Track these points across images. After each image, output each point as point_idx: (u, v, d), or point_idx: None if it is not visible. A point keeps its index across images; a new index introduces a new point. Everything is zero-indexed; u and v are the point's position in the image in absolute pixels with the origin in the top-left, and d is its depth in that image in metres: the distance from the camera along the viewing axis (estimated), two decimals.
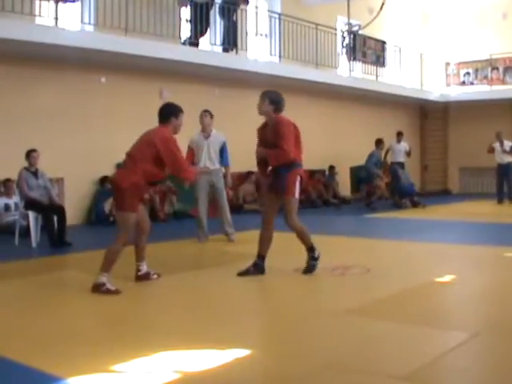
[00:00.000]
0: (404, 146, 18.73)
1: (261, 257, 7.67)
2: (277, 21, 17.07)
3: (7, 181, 11.98)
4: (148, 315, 6.09)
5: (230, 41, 15.58)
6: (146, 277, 7.40)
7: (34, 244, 10.40)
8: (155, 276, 7.49)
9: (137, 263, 7.42)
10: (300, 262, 7.74)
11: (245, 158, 12.02)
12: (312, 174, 18.08)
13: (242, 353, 4.72)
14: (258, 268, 7.62)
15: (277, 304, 6.21)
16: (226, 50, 15.69)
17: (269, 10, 17.62)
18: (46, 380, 4.27)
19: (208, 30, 15.27)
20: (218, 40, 15.75)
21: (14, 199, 11.92)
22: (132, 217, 6.86)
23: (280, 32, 17.05)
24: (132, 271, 7.39)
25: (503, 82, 22.50)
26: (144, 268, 7.42)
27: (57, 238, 10.27)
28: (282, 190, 7.50)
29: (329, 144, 19.69)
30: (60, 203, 11.32)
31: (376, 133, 18.47)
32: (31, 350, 4.86)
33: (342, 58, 19.80)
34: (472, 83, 23.26)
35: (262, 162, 7.74)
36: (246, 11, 16.16)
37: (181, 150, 7.23)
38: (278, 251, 7.94)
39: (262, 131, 7.71)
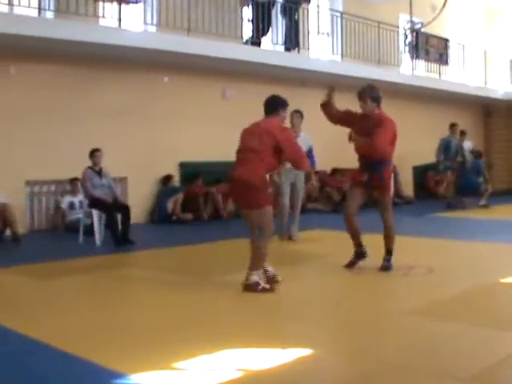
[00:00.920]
0: (468, 144, 18.42)
1: (357, 246, 7.85)
2: (338, 19, 16.97)
3: (74, 180, 12.19)
4: (212, 312, 6.09)
5: (292, 40, 15.56)
6: (273, 279, 6.99)
7: (97, 242, 10.53)
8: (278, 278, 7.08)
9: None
10: (363, 262, 7.70)
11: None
12: None
13: (306, 352, 4.70)
14: (359, 255, 7.85)
15: (340, 304, 6.17)
16: (287, 49, 15.68)
17: (330, 9, 17.52)
18: (109, 376, 4.30)
19: (270, 29, 15.27)
20: (280, 39, 15.74)
21: (79, 198, 12.12)
22: (270, 209, 6.69)
23: (342, 30, 16.94)
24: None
25: None
26: (270, 269, 7.04)
27: (121, 237, 10.38)
28: (381, 186, 7.54)
29: None
30: (125, 202, 11.46)
31: (439, 132, 18.20)
32: (93, 345, 4.92)
33: (405, 57, 19.60)
34: None
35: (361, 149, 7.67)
36: (307, 10, 16.14)
37: None
38: (339, 251, 7.90)
39: (363, 121, 7.61)
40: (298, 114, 10.49)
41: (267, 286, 6.50)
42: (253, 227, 6.85)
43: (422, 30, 19.66)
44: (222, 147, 14.38)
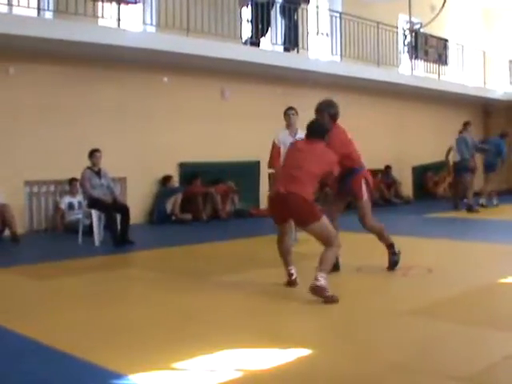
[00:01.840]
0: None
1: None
2: (337, 20, 16.96)
3: (72, 180, 12.19)
4: (211, 312, 6.08)
5: (291, 40, 15.57)
6: (294, 283, 6.96)
7: (96, 242, 10.52)
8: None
9: (287, 268, 7.03)
10: (362, 262, 7.68)
11: None
12: (375, 173, 17.94)
13: (304, 352, 4.70)
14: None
15: (339, 304, 6.16)
16: (287, 49, 15.68)
17: (329, 9, 17.52)
18: (107, 376, 4.29)
19: (269, 29, 15.27)
20: (279, 39, 15.73)
21: (78, 198, 12.13)
22: (325, 218, 6.57)
23: (341, 31, 16.93)
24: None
25: None
26: (294, 271, 6.99)
27: (120, 237, 10.37)
28: (352, 194, 7.54)
29: (390, 143, 19.49)
30: (124, 202, 11.47)
31: (438, 132, 18.23)
32: (92, 345, 4.92)
33: (404, 57, 19.61)
34: None
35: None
36: (306, 10, 16.14)
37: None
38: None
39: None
40: (293, 111, 10.10)
41: (335, 296, 6.26)
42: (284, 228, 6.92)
43: (421, 30, 19.67)
44: (221, 148, 14.41)
